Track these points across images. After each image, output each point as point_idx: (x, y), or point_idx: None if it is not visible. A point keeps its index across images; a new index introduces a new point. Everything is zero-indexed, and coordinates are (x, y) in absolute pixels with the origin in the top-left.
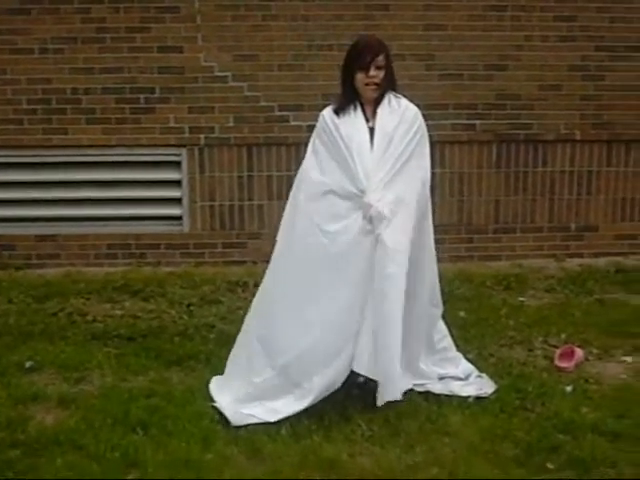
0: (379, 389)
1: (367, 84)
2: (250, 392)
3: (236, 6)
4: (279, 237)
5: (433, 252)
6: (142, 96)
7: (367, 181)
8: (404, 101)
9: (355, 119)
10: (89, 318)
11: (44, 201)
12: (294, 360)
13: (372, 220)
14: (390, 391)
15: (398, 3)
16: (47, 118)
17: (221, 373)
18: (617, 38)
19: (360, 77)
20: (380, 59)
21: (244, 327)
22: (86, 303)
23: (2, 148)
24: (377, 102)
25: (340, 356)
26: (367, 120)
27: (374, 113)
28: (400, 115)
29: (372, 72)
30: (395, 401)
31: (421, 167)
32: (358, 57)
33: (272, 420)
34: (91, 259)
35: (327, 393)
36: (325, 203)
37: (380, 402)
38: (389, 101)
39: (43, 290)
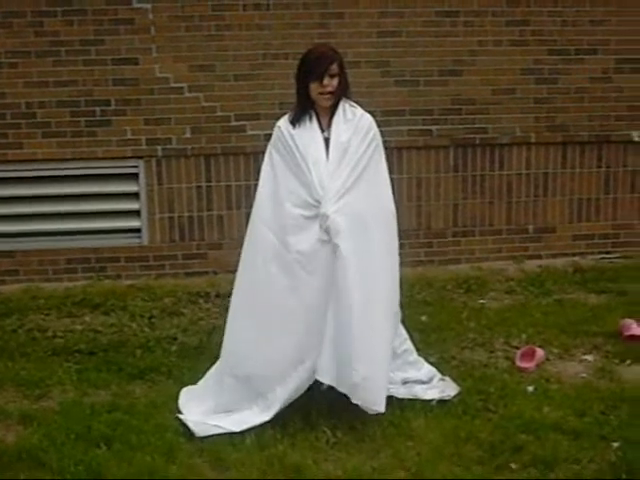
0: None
1: (321, 93)
2: (217, 404)
3: (190, 17)
4: (243, 250)
5: (396, 257)
6: (98, 109)
7: (323, 191)
8: (359, 110)
9: (310, 129)
10: (49, 334)
11: (1, 217)
12: (256, 371)
13: (328, 231)
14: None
15: (352, 11)
16: (2, 133)
17: (184, 385)
18: (569, 41)
19: (314, 87)
20: (333, 67)
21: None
22: (46, 319)
23: None
24: (332, 112)
25: (304, 364)
26: (322, 130)
27: (329, 123)
28: (355, 125)
29: (326, 81)
30: (357, 407)
31: (379, 175)
32: (311, 67)
33: (237, 430)
34: (50, 274)
35: (291, 400)
36: (283, 215)
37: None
38: (344, 111)
39: (2, 307)
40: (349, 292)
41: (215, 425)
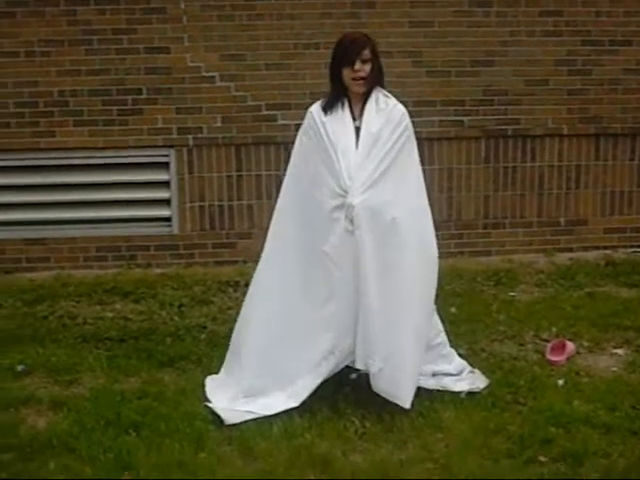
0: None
1: (354, 79)
2: (244, 390)
3: (222, 6)
4: (267, 240)
5: (430, 252)
6: (129, 97)
7: (350, 181)
8: (392, 100)
9: (342, 118)
10: (80, 321)
11: (33, 204)
12: (285, 361)
13: (353, 221)
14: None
15: (384, 1)
16: (34, 121)
17: (213, 373)
18: (603, 32)
19: (347, 72)
20: (366, 52)
21: (237, 327)
22: (76, 306)
23: None
24: (365, 100)
25: (334, 354)
26: (354, 119)
27: (361, 112)
28: (387, 115)
29: (357, 66)
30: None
31: (409, 168)
32: (344, 53)
33: (268, 414)
34: (81, 262)
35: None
36: (309, 204)
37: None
38: (377, 100)
39: (33, 294)
40: (368, 284)
41: (246, 411)
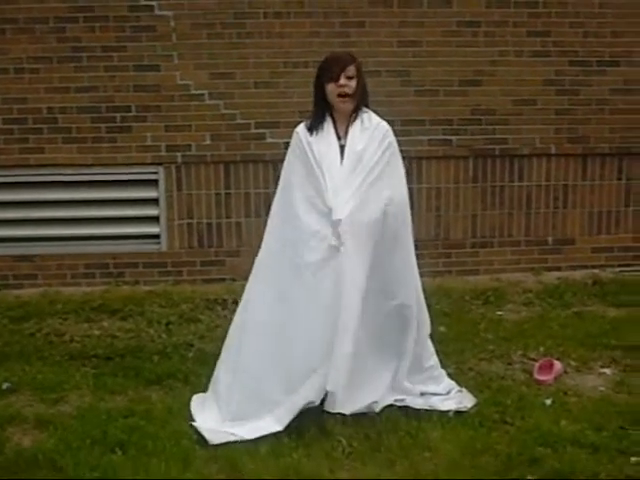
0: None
1: (339, 95)
2: (229, 412)
3: (211, 24)
4: (257, 259)
5: (414, 270)
6: (118, 115)
7: (335, 198)
8: (375, 119)
9: (327, 137)
10: (67, 338)
11: (21, 221)
12: (271, 381)
13: (339, 236)
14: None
15: (373, 20)
16: (23, 138)
17: (200, 391)
18: (591, 53)
19: (331, 88)
20: (350, 69)
21: (225, 345)
22: (64, 323)
23: None
24: (350, 120)
25: (317, 372)
26: (339, 138)
27: (346, 131)
28: (371, 133)
29: (342, 81)
30: (373, 416)
31: (391, 184)
32: (328, 69)
33: (251, 437)
34: (68, 279)
35: (305, 408)
36: (296, 223)
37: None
38: (361, 119)
39: (20, 311)
40: (352, 306)
41: (230, 433)
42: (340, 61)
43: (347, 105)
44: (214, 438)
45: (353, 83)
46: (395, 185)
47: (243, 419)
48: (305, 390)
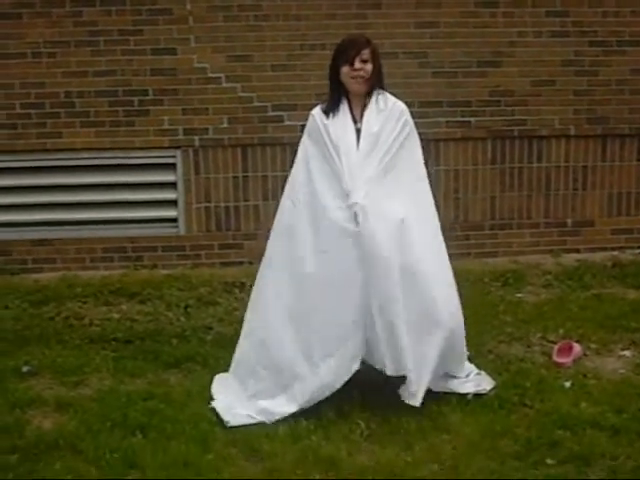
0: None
1: (353, 77)
2: (246, 390)
3: (228, 7)
4: (271, 237)
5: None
6: (136, 98)
7: (352, 181)
8: (391, 99)
9: (343, 120)
10: (86, 322)
11: (39, 205)
12: (287, 359)
13: (357, 217)
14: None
15: (390, 1)
16: (41, 122)
17: (220, 372)
18: (610, 33)
19: (345, 70)
20: (365, 52)
21: (244, 327)
22: (83, 307)
23: None
24: (365, 102)
25: (332, 357)
26: (355, 121)
27: (362, 114)
28: (387, 114)
29: (357, 64)
30: (392, 398)
31: (412, 164)
32: (343, 52)
33: (268, 421)
34: (87, 263)
35: (323, 395)
36: (314, 204)
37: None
38: (377, 102)
39: (39, 295)
40: (388, 286)
41: (247, 415)
42: (355, 44)
43: (361, 87)
44: (231, 419)
45: (368, 66)
46: (417, 161)
47: (256, 398)
48: (321, 373)
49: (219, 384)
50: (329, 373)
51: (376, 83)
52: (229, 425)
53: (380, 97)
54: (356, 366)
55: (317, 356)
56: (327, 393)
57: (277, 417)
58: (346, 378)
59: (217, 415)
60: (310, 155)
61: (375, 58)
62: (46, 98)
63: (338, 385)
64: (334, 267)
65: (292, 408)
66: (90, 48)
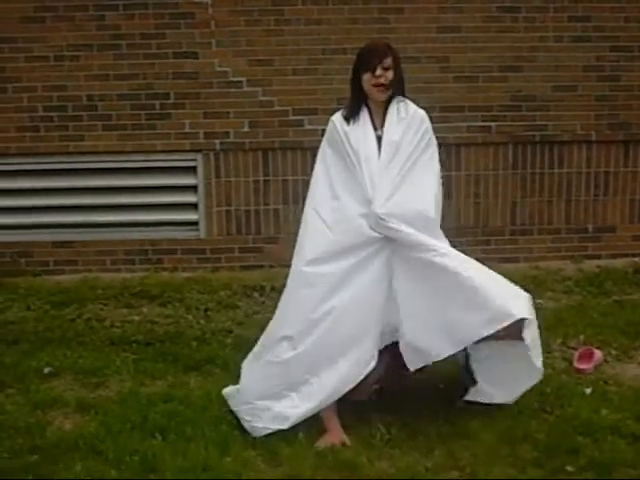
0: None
1: (374, 85)
2: (254, 392)
3: (249, 11)
4: (298, 242)
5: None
6: (157, 102)
7: (373, 190)
8: (412, 107)
9: (364, 127)
10: (107, 324)
11: (61, 208)
12: (299, 354)
13: (380, 227)
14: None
15: (412, 6)
16: (63, 125)
17: (238, 377)
18: (632, 38)
19: (367, 78)
20: (387, 61)
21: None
22: (104, 309)
23: (18, 155)
24: (385, 109)
25: (352, 351)
26: (375, 128)
27: (382, 121)
28: (408, 122)
29: (379, 72)
30: (412, 404)
31: (431, 165)
32: (365, 59)
33: (284, 427)
34: (108, 265)
35: (340, 393)
36: (337, 209)
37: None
38: (397, 109)
39: (61, 296)
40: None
41: (263, 427)
42: (378, 52)
43: (381, 95)
44: (252, 431)
45: (390, 74)
46: (434, 165)
47: (267, 399)
48: (339, 368)
49: (231, 391)
50: (350, 366)
51: (397, 91)
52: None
53: (401, 105)
54: (374, 362)
55: (337, 349)
56: (346, 388)
57: (293, 421)
58: (365, 372)
59: (237, 418)
60: (330, 163)
61: (397, 65)
62: (68, 101)
63: (358, 379)
64: (361, 273)
65: (307, 405)
66: (112, 52)
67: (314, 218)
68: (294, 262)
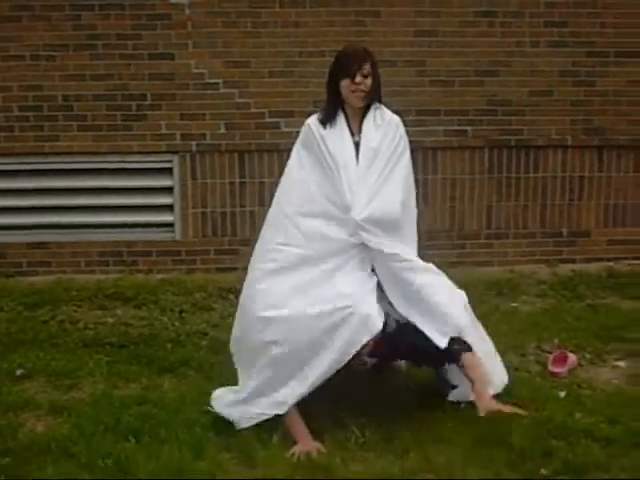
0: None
1: (353, 91)
2: (253, 387)
3: (227, 13)
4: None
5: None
6: (133, 103)
7: (352, 197)
8: (387, 113)
9: (340, 132)
10: (80, 325)
11: (35, 208)
12: (289, 347)
13: (359, 234)
14: None
15: (389, 9)
16: (38, 125)
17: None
18: (608, 44)
19: (345, 84)
20: (366, 67)
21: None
22: (77, 310)
23: None
24: (363, 115)
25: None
26: (352, 134)
27: (359, 127)
28: (385, 129)
29: (358, 79)
30: (386, 407)
31: (406, 176)
32: (344, 65)
33: (281, 412)
34: (82, 266)
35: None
36: (313, 210)
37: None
38: (374, 116)
39: (34, 298)
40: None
41: (260, 413)
42: (357, 57)
43: (360, 101)
44: (242, 421)
45: (369, 82)
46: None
47: (264, 394)
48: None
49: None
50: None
51: (375, 96)
52: (240, 426)
53: (377, 111)
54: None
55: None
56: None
57: (290, 404)
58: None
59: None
60: (307, 167)
61: (375, 71)
62: (44, 101)
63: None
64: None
65: (303, 389)
66: (88, 52)
67: (286, 224)
68: (255, 260)
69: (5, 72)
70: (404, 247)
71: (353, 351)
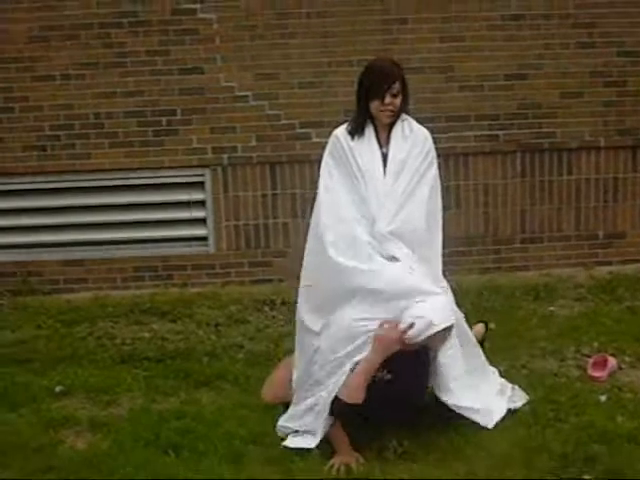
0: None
1: (382, 110)
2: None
3: (254, 26)
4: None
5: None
6: (164, 118)
7: (378, 209)
8: (415, 125)
9: (369, 144)
10: (117, 341)
11: (70, 226)
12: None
13: (385, 246)
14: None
15: (416, 16)
16: (70, 143)
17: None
18: (638, 43)
19: (375, 105)
20: (396, 86)
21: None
22: (114, 326)
23: (26, 175)
24: (391, 127)
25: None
26: (380, 145)
27: (387, 139)
28: (412, 140)
29: (387, 100)
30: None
31: (433, 188)
32: (373, 84)
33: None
34: (118, 282)
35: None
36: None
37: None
38: (402, 127)
39: (71, 315)
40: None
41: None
42: (386, 77)
43: (389, 119)
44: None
45: (398, 101)
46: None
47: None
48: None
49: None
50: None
51: (402, 111)
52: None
53: (405, 123)
54: None
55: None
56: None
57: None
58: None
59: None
60: (336, 180)
61: (404, 88)
62: (75, 119)
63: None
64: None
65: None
66: (118, 69)
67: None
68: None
69: (36, 92)
70: (421, 281)
71: None
